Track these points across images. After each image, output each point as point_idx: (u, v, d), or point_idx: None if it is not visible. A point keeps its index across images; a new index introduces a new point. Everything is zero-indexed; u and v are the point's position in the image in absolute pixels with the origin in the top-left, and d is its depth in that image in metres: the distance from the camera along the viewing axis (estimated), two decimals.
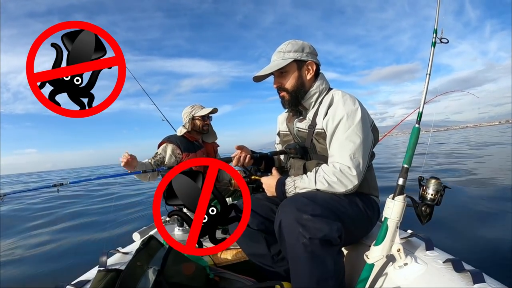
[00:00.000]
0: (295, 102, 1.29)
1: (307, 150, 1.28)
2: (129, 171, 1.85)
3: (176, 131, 2.43)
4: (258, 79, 1.34)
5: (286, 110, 1.43)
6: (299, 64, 1.26)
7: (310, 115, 1.27)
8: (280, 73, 1.28)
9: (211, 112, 2.32)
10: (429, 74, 1.05)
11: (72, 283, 1.10)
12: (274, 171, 1.28)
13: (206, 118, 2.32)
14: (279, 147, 1.52)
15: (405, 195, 1.01)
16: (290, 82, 1.27)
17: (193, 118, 2.30)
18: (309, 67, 1.27)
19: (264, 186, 1.25)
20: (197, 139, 2.36)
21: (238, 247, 1.41)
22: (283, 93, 1.29)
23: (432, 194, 1.00)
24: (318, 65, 1.30)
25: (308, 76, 1.27)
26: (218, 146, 2.55)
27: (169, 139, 2.26)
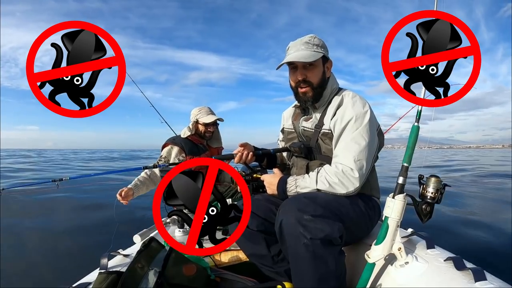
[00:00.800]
0: (318, 98, 1.25)
1: (312, 150, 1.27)
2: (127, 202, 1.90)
3: (175, 133, 2.41)
4: (286, 64, 1.25)
5: (293, 105, 1.42)
6: (324, 60, 1.25)
7: (317, 114, 1.27)
8: (308, 65, 1.21)
9: (215, 121, 2.27)
10: None
11: (73, 285, 1.10)
12: (276, 170, 1.28)
13: (209, 125, 2.26)
14: (282, 144, 1.51)
15: (405, 193, 1.01)
16: (316, 76, 1.22)
17: (197, 122, 2.26)
18: (328, 66, 1.27)
19: (265, 183, 1.25)
20: (202, 142, 2.32)
21: (239, 248, 1.41)
22: (307, 88, 1.23)
23: (432, 193, 1.00)
24: None
25: (328, 74, 1.27)
26: (223, 148, 2.53)
27: (174, 141, 2.22)
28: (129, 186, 1.94)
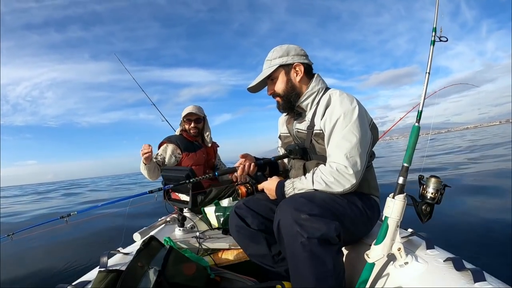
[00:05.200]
0: (289, 105, 1.31)
1: (307, 151, 1.28)
2: (144, 163, 2.02)
3: (175, 131, 2.47)
4: (253, 90, 1.36)
5: (286, 114, 1.43)
6: (286, 68, 1.28)
7: (308, 116, 1.27)
8: (271, 80, 1.31)
9: (189, 115, 2.31)
10: (429, 73, 1.04)
11: (73, 283, 1.10)
12: (273, 177, 1.29)
13: (191, 121, 2.32)
14: (282, 150, 1.51)
15: (405, 194, 1.01)
16: (279, 87, 1.29)
17: (183, 120, 2.34)
18: (297, 69, 1.27)
19: (265, 190, 1.26)
20: (197, 139, 2.37)
21: (239, 247, 1.42)
22: (277, 98, 1.33)
23: (432, 193, 1.00)
24: (308, 65, 1.30)
25: (298, 78, 1.28)
26: (218, 146, 2.56)
27: (169, 139, 2.28)
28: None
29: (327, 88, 1.29)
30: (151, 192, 1.62)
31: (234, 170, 1.35)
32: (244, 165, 1.33)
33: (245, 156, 1.35)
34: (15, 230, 1.64)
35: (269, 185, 1.23)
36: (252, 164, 1.34)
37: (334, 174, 1.08)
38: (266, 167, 1.44)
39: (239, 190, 1.29)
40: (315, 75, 1.30)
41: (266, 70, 1.28)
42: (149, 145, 2.00)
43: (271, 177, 1.39)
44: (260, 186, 1.29)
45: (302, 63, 1.27)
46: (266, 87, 1.35)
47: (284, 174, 1.43)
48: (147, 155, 1.97)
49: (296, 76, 1.28)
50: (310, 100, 1.27)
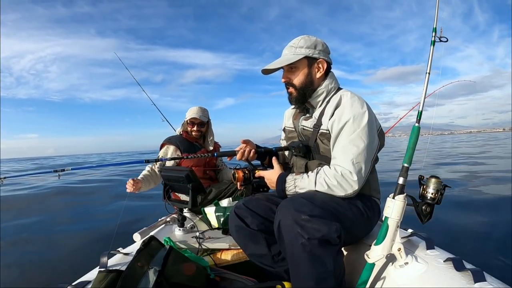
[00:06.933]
0: (302, 100, 1.27)
1: (310, 149, 1.27)
2: (136, 192, 1.98)
3: (176, 132, 2.45)
4: (266, 72, 1.31)
5: (293, 106, 1.41)
6: (310, 61, 1.24)
7: (316, 114, 1.26)
8: (290, 68, 1.26)
9: (193, 119, 2.29)
10: (429, 73, 1.05)
11: (73, 284, 1.10)
12: (276, 164, 1.27)
13: (194, 124, 2.30)
14: (284, 143, 1.50)
15: (405, 194, 1.01)
16: (298, 79, 1.25)
17: (187, 122, 2.33)
18: (320, 65, 1.24)
19: (265, 179, 1.25)
20: (198, 141, 2.36)
21: (239, 247, 1.42)
22: (291, 89, 1.28)
23: (432, 193, 1.00)
24: (329, 64, 1.27)
25: (318, 74, 1.25)
26: (220, 147, 2.54)
27: (170, 141, 2.27)
28: (138, 178, 2.03)
29: (339, 88, 1.28)
30: (147, 161, 1.62)
31: (233, 153, 1.34)
32: (244, 150, 1.31)
33: (247, 142, 1.34)
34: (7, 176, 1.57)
35: (270, 175, 1.23)
36: (253, 150, 1.33)
37: (338, 178, 1.08)
38: (266, 156, 1.42)
39: (236, 174, 1.28)
40: (330, 73, 1.28)
41: (291, 56, 1.23)
42: (133, 184, 1.95)
43: (269, 166, 1.38)
44: (259, 173, 1.27)
45: (326, 61, 1.25)
46: (278, 72, 1.30)
47: (284, 166, 1.43)
48: (132, 191, 1.96)
49: (317, 72, 1.25)
50: (321, 98, 1.25)
